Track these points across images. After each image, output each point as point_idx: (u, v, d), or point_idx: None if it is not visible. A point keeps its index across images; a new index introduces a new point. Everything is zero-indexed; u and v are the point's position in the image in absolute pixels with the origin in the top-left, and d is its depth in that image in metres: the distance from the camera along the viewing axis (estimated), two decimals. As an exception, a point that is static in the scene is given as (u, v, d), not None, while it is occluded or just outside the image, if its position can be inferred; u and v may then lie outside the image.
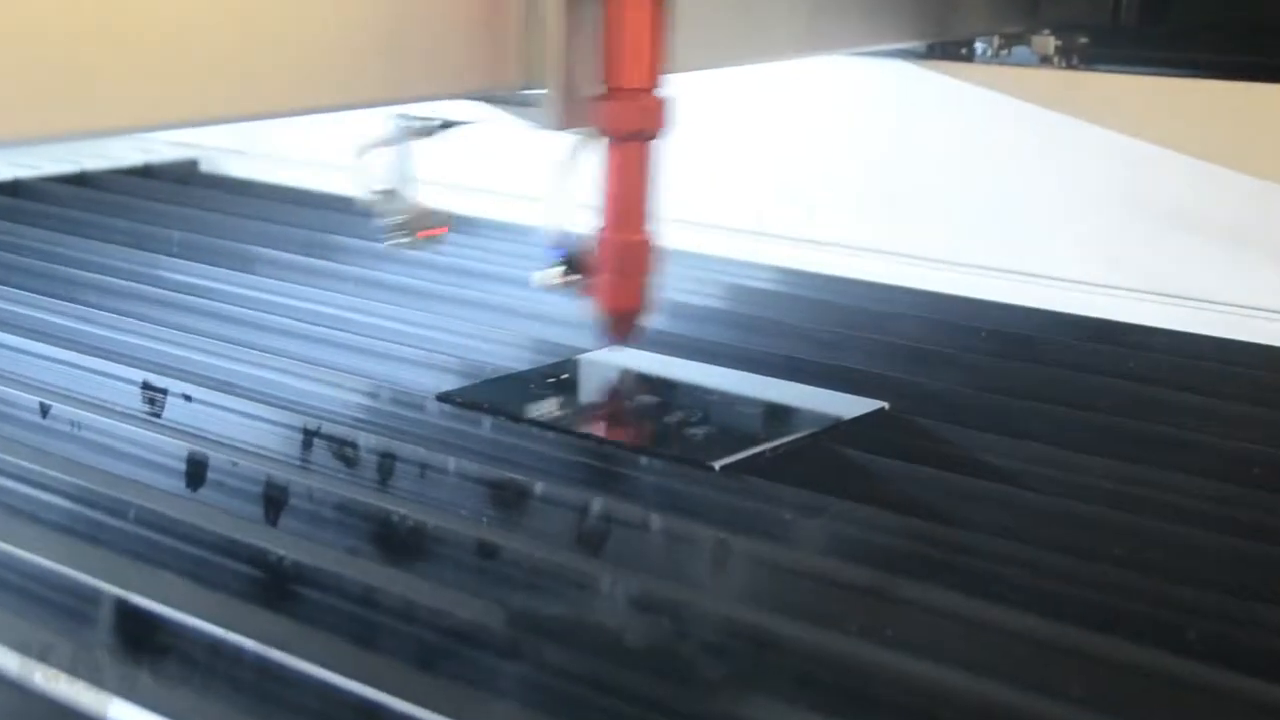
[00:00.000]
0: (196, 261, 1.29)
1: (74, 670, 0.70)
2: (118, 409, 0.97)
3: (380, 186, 0.96)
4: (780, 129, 1.40)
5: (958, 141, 1.33)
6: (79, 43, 0.69)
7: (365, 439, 0.90)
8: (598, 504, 0.82)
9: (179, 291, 1.21)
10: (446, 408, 0.96)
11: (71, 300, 1.18)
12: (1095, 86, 1.29)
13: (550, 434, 0.92)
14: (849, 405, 0.98)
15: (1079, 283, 1.27)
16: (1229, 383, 1.04)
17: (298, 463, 0.90)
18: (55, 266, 1.28)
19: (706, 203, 1.40)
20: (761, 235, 1.39)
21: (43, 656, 0.70)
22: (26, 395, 0.97)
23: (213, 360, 1.04)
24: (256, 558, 0.77)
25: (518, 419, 0.94)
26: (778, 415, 0.99)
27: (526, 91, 0.87)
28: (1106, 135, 1.26)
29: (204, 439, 0.92)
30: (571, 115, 0.88)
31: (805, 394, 1.00)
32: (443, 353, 1.06)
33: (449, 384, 1.00)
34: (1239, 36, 1.33)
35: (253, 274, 1.27)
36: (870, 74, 1.35)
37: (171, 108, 0.74)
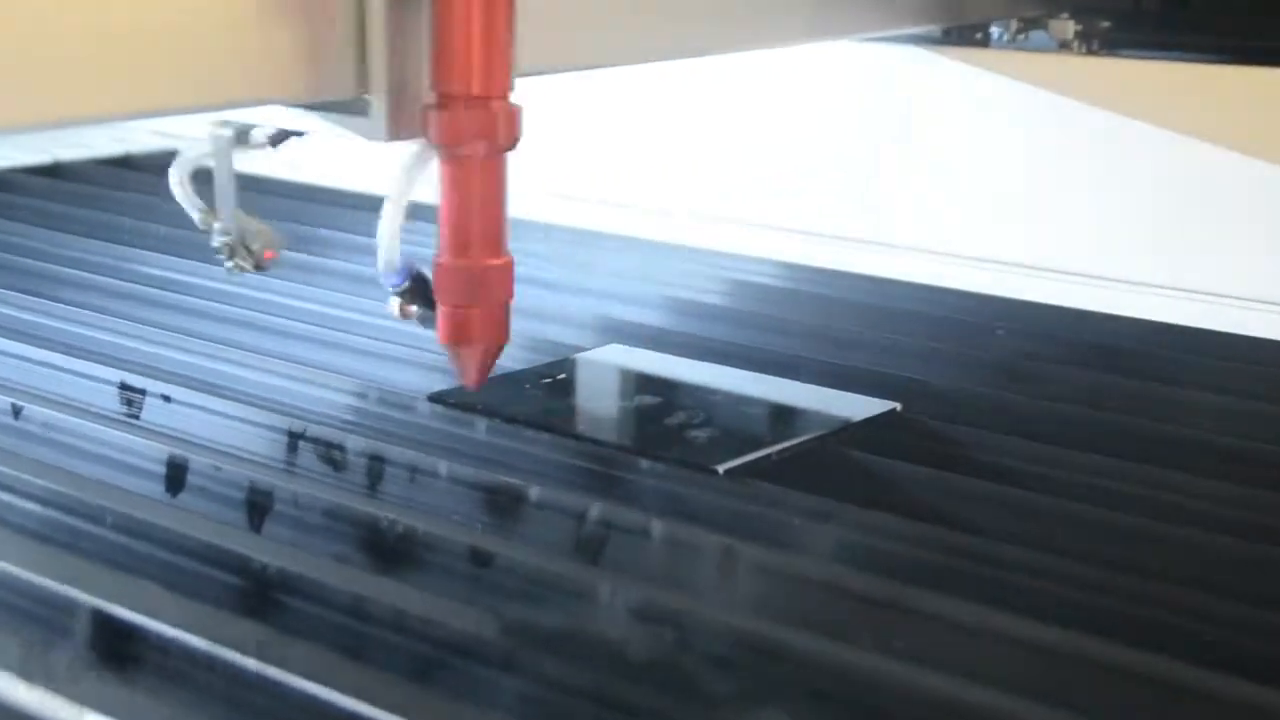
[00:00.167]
0: (176, 256, 1.29)
1: (49, 683, 0.70)
2: (94, 410, 0.97)
3: (201, 205, 0.90)
4: (787, 117, 1.40)
5: (973, 131, 1.33)
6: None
7: (353, 441, 0.90)
8: (596, 509, 0.82)
9: (158, 287, 1.21)
10: (438, 409, 0.96)
11: (45, 296, 1.18)
12: (1117, 73, 1.29)
13: (547, 436, 0.93)
14: (859, 406, 0.98)
15: (1101, 278, 1.27)
16: (1256, 382, 1.04)
17: (283, 466, 0.91)
18: (28, 261, 1.28)
19: (708, 194, 1.40)
20: (767, 228, 1.39)
21: (16, 669, 0.70)
22: (-1, 396, 0.97)
23: (193, 359, 1.04)
24: (239, 566, 0.77)
25: (513, 420, 0.94)
26: (784, 417, 0.99)
27: (354, 98, 0.80)
28: (1129, 124, 1.26)
29: (184, 442, 0.92)
30: (402, 125, 0.80)
31: (813, 394, 1.00)
32: (434, 351, 1.06)
33: (441, 384, 1.00)
34: (1269, 19, 1.33)
35: (235, 269, 1.27)
36: (882, 60, 1.35)
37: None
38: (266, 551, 0.78)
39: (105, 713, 0.68)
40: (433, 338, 1.08)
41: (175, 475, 0.88)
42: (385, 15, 0.78)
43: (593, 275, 1.25)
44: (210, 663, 0.70)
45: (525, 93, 0.81)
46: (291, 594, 0.76)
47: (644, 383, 1.05)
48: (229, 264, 0.89)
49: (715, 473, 0.87)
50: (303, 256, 1.30)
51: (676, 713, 0.66)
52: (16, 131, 0.74)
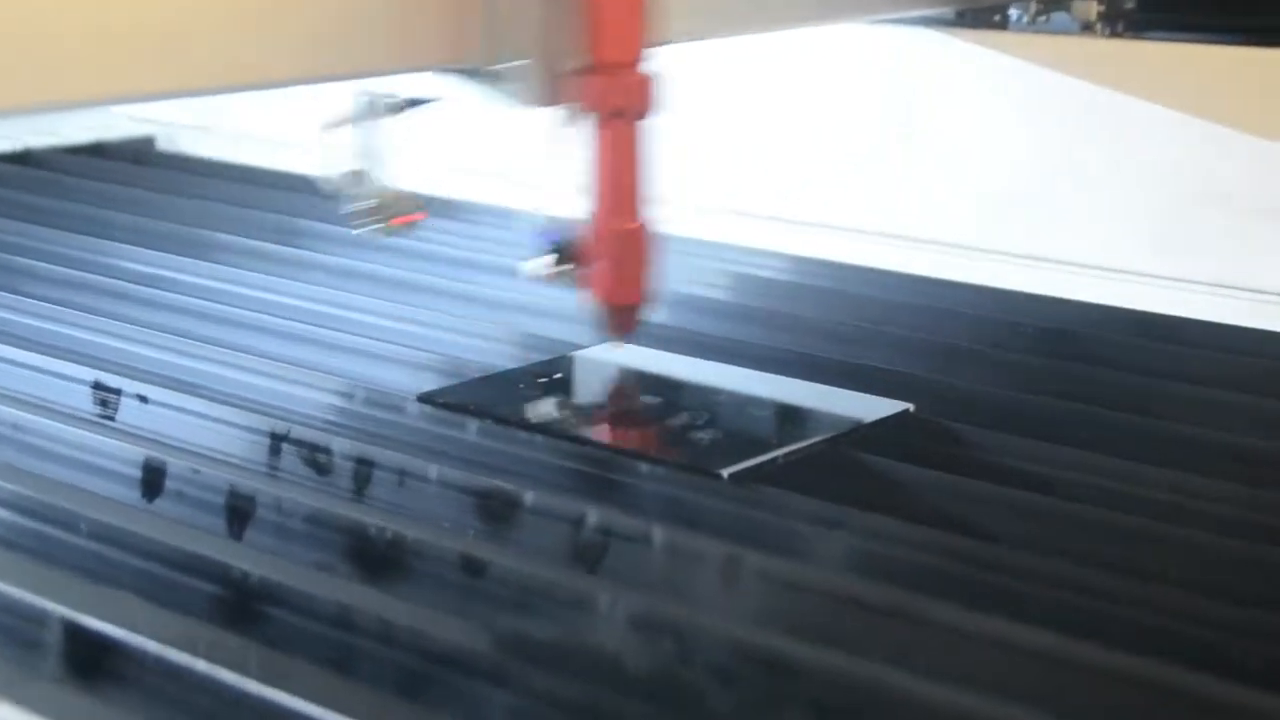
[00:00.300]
0: (153, 249, 1.29)
1: (18, 699, 0.70)
2: (66, 411, 0.97)
3: (347, 168, 0.96)
4: (795, 103, 1.40)
5: (991, 118, 1.33)
6: (33, 11, 0.69)
7: (339, 444, 0.90)
8: (594, 515, 0.82)
9: (133, 282, 1.21)
10: (428, 410, 0.96)
11: (14, 291, 1.18)
12: (1143, 56, 1.29)
13: (542, 438, 0.93)
14: (870, 407, 0.98)
15: (1126, 272, 1.27)
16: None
17: (265, 470, 0.91)
18: (-3, 254, 1.28)
19: (714, 184, 1.40)
20: (774, 220, 1.39)
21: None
22: (-35, 396, 0.97)
23: (171, 358, 1.04)
24: (219, 575, 0.78)
25: (506, 422, 0.94)
26: (791, 418, 0.99)
27: (500, 66, 0.87)
28: (1155, 110, 1.26)
29: (161, 444, 0.92)
30: (551, 91, 0.88)
31: (822, 394, 1.00)
32: (424, 349, 1.06)
33: (431, 384, 1.00)
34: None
35: (215, 262, 1.27)
36: (894, 43, 1.35)
37: (123, 80, 0.74)
38: (247, 560, 0.78)
39: (78, 729, 0.69)
40: (416, 334, 1.09)
41: (152, 479, 0.88)
42: None
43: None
44: (188, 677, 0.70)
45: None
46: (274, 604, 0.76)
47: (644, 382, 1.05)
48: (362, 226, 0.97)
49: (719, 477, 0.87)
50: (286, 249, 1.30)
51: (678, 729, 0.66)
52: (172, 98, 0.80)
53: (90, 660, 0.73)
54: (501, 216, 1.37)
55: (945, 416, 0.97)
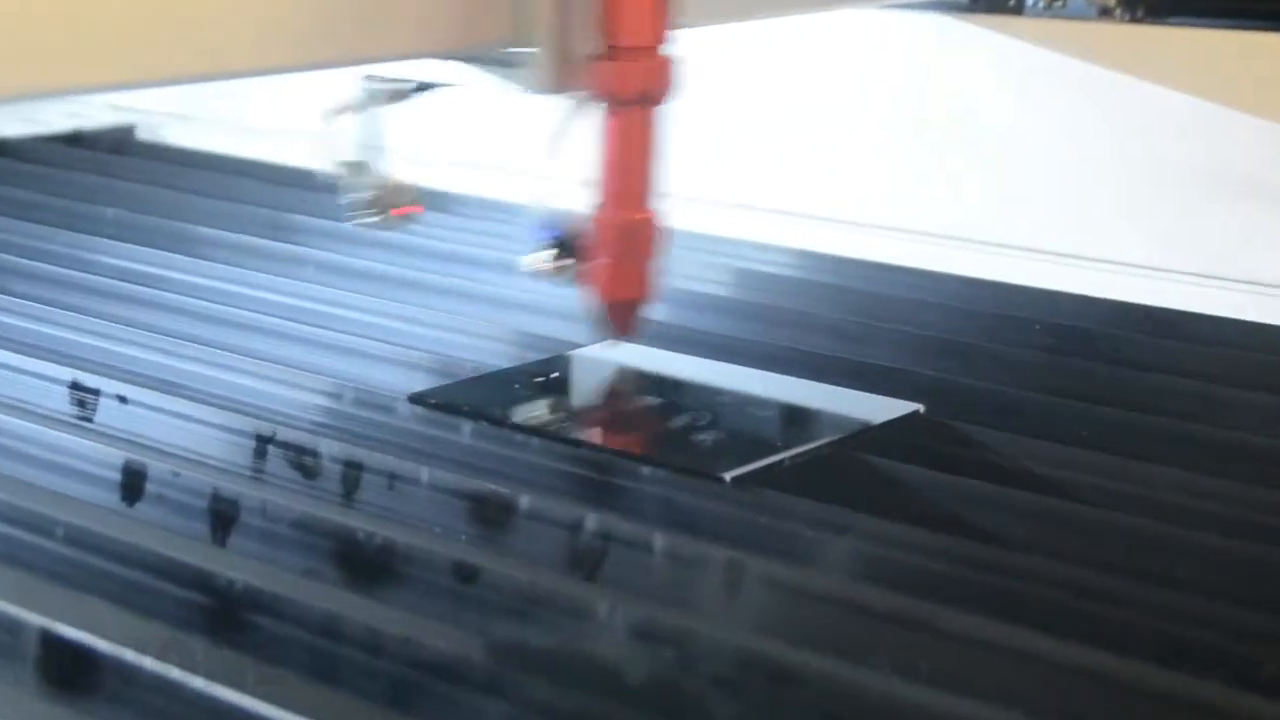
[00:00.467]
0: (133, 243, 1.29)
1: (-6, 710, 0.70)
2: (42, 412, 0.97)
3: (347, 158, 0.97)
4: (801, 91, 1.41)
5: (1005, 106, 1.33)
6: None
7: (327, 446, 0.90)
8: (593, 520, 0.82)
9: (112, 277, 1.21)
10: (420, 410, 0.96)
11: (-11, 287, 1.18)
12: (1163, 42, 1.29)
13: (538, 441, 0.93)
14: (878, 407, 0.98)
15: (1144, 268, 1.27)
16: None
17: (249, 473, 0.91)
18: (-30, 249, 1.28)
19: (716, 176, 1.40)
20: (779, 213, 1.39)
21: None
22: (-62, 396, 0.98)
23: (152, 357, 1.04)
24: (202, 582, 0.78)
25: (501, 423, 0.95)
26: (797, 419, 0.99)
27: (513, 50, 0.88)
28: (1176, 98, 1.26)
29: (142, 446, 0.92)
30: (565, 77, 0.88)
31: (828, 395, 1.01)
32: (416, 348, 1.06)
33: (423, 384, 1.00)
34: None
35: (198, 258, 1.27)
36: (906, 28, 1.35)
37: (120, 67, 0.74)
38: (231, 566, 0.78)
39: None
40: (408, 333, 1.09)
41: (132, 483, 0.89)
42: None
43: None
44: (169, 688, 0.70)
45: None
46: (259, 612, 0.76)
47: (644, 382, 1.05)
48: (359, 218, 0.97)
49: (722, 480, 0.88)
50: (272, 244, 1.30)
51: (678, 742, 0.67)
52: (189, 83, 0.81)
53: (67, 670, 0.73)
54: (497, 210, 1.37)
55: (957, 418, 0.97)
